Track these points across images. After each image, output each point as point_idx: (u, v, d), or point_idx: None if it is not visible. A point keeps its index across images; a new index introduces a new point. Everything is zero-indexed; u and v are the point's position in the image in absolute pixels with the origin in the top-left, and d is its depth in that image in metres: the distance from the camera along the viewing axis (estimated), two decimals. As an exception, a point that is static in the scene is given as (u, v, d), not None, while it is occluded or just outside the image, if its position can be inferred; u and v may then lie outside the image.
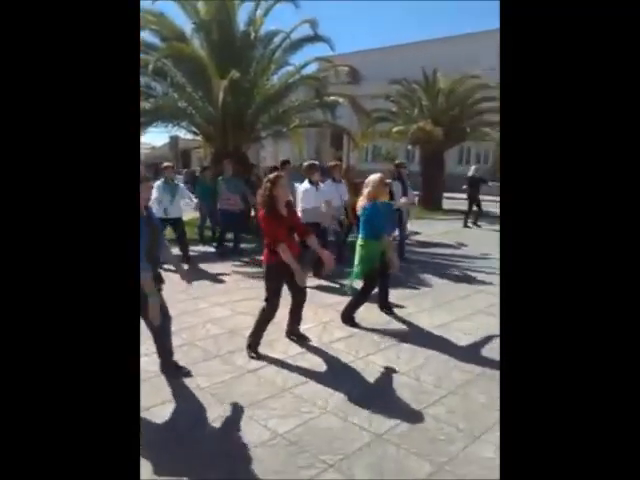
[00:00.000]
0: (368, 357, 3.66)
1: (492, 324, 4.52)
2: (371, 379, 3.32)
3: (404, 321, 4.54)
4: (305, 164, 6.18)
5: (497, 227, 11.90)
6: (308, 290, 5.39)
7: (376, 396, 3.09)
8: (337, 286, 5.68)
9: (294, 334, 3.99)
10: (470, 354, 3.78)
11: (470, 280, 6.31)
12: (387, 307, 4.75)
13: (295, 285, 3.75)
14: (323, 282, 5.90)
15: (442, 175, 16.17)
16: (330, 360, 3.60)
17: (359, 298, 4.49)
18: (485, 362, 3.62)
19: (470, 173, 11.81)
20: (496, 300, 5.32)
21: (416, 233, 10.82)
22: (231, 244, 7.94)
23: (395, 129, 14.94)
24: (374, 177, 4.40)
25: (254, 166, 10.84)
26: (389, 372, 3.42)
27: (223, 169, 7.95)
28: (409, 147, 21.47)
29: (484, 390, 3.16)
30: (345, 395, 3.07)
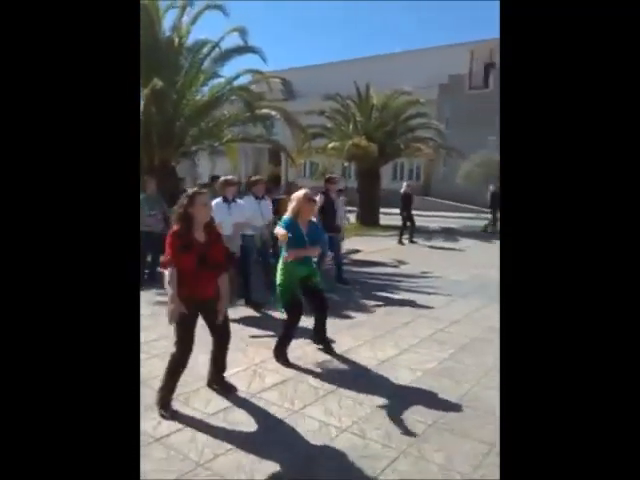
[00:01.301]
0: (305, 409, 3.11)
1: (439, 354, 4.13)
2: (308, 439, 2.77)
3: (344, 358, 4.04)
4: (221, 179, 5.59)
5: (433, 243, 11.91)
6: (237, 325, 4.93)
7: (314, 465, 2.54)
8: (270, 317, 5.11)
9: (217, 384, 3.36)
10: (420, 397, 3.33)
11: (412, 303, 5.95)
12: (323, 342, 4.22)
13: (215, 324, 3.16)
14: (255, 313, 5.30)
15: (378, 191, 16.10)
16: (260, 416, 3.01)
17: (284, 332, 3.96)
18: (437, 405, 3.18)
19: (402, 190, 11.70)
20: (439, 325, 4.97)
21: (355, 251, 10.49)
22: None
23: (330, 145, 14.70)
24: (298, 193, 3.93)
25: (182, 181, 10.09)
26: (329, 429, 2.88)
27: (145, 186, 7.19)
28: (345, 164, 21.41)
29: (440, 446, 2.70)
30: (276, 466, 2.50)
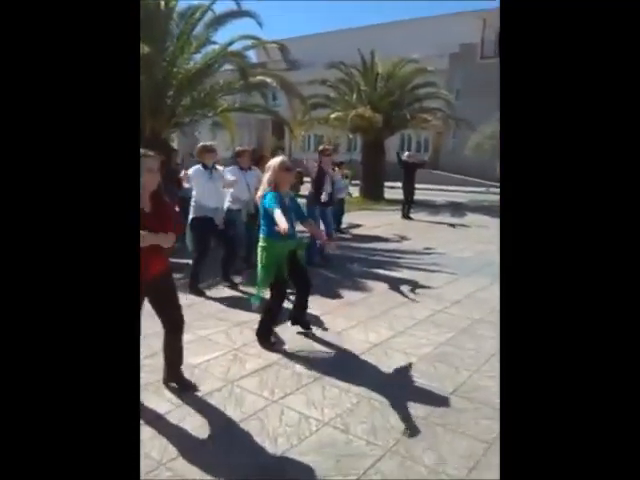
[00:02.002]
0: (285, 399, 2.84)
1: (437, 337, 3.83)
2: (285, 434, 2.50)
3: (334, 342, 3.75)
4: (199, 145, 5.22)
5: (439, 218, 11.51)
6: (222, 306, 4.61)
7: (288, 466, 2.27)
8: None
9: (173, 380, 2.94)
10: (412, 387, 3.05)
11: (411, 281, 5.63)
12: (301, 323, 3.91)
13: (165, 308, 2.77)
14: (238, 293, 5.02)
15: (383, 164, 15.62)
16: (234, 407, 2.74)
17: (267, 314, 3.68)
18: (431, 396, 2.90)
19: (403, 157, 11.13)
20: (439, 306, 4.67)
21: (356, 226, 10.15)
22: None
23: (333, 116, 14.17)
24: (274, 161, 3.58)
25: (174, 151, 9.72)
26: (309, 422, 2.61)
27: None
28: (350, 136, 20.84)
29: (430, 444, 2.42)
30: (244, 465, 2.24)
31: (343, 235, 9.00)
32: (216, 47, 9.29)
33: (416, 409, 2.74)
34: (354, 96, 14.67)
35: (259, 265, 3.58)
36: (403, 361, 3.41)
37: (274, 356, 3.42)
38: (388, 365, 3.35)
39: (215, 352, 3.46)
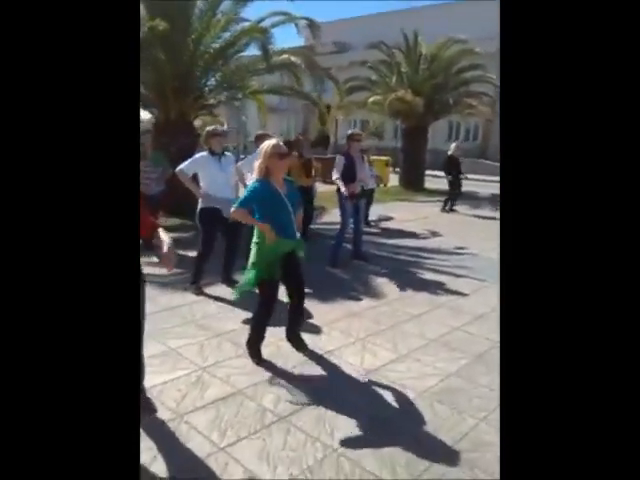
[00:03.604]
0: (236, 446, 2.30)
1: (446, 365, 3.20)
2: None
3: (322, 364, 3.19)
4: (206, 129, 4.70)
5: (479, 212, 10.62)
6: (213, 309, 3.95)
7: None
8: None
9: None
10: (401, 437, 2.45)
11: (432, 287, 4.97)
12: (295, 340, 3.38)
13: None
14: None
15: (424, 152, 14.74)
16: (168, 453, 2.25)
17: (255, 319, 3.19)
18: (422, 452, 2.30)
19: (450, 152, 10.39)
20: (457, 321, 4.01)
21: (388, 218, 9.48)
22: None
23: (371, 99, 13.39)
24: (265, 145, 3.02)
25: (199, 137, 9.35)
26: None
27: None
28: (397, 121, 19.93)
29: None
30: None
31: (370, 229, 8.37)
32: (246, 25, 8.78)
33: (400, 473, 2.15)
34: (394, 78, 13.78)
35: (249, 262, 3.07)
36: (396, 398, 2.81)
37: (243, 381, 2.91)
38: (376, 402, 2.76)
39: (178, 371, 2.99)
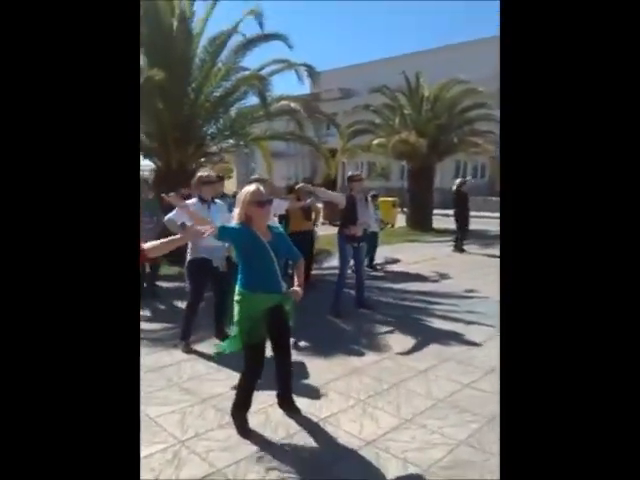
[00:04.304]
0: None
1: (455, 430, 2.84)
2: None
3: (314, 433, 2.86)
4: (196, 175, 4.53)
5: (489, 251, 10.27)
6: (202, 369, 3.44)
7: None
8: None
9: None
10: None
11: (441, 336, 4.63)
12: (286, 405, 3.06)
13: None
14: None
15: (431, 191, 14.60)
16: None
17: (241, 386, 2.88)
18: None
19: (454, 187, 10.18)
20: (467, 377, 3.66)
21: (394, 261, 9.20)
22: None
23: (375, 142, 13.40)
24: (243, 191, 2.80)
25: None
26: None
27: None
28: (403, 163, 19.97)
29: None
30: None
31: (376, 273, 8.09)
32: (246, 73, 8.86)
33: None
34: (397, 120, 13.82)
35: (235, 322, 2.80)
36: (397, 476, 2.46)
37: (224, 458, 2.57)
38: (378, 471, 2.41)
39: (154, 446, 2.68)
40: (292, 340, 3.90)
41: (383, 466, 2.53)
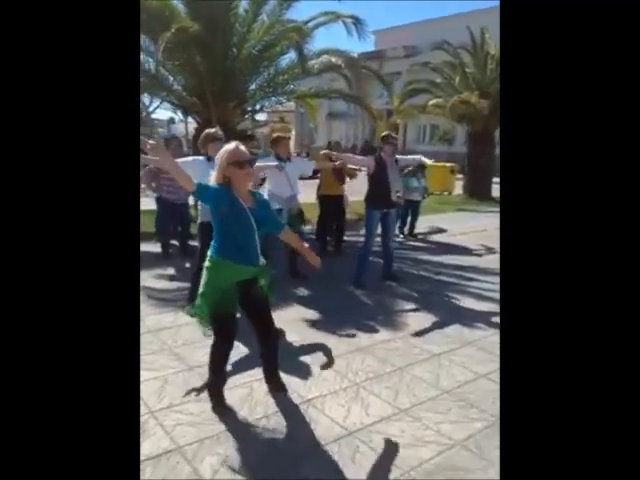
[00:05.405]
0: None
1: (455, 428, 2.49)
2: None
3: (296, 417, 2.61)
4: (204, 132, 4.24)
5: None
6: (199, 334, 3.19)
7: None
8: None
9: None
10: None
11: (468, 317, 4.19)
12: (273, 381, 2.81)
13: None
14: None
15: (492, 158, 13.59)
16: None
17: (211, 361, 2.66)
18: None
19: None
20: (484, 367, 3.24)
21: (439, 231, 8.65)
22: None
23: (432, 102, 12.54)
24: (224, 150, 2.48)
25: (249, 139, 9.05)
26: None
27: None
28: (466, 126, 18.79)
29: None
30: None
31: (415, 243, 7.62)
32: (289, 26, 8.39)
33: None
34: (457, 79, 12.82)
35: (200, 292, 2.57)
36: (373, 476, 2.16)
37: (188, 435, 2.39)
38: (363, 457, 2.13)
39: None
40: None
41: (358, 462, 2.24)
